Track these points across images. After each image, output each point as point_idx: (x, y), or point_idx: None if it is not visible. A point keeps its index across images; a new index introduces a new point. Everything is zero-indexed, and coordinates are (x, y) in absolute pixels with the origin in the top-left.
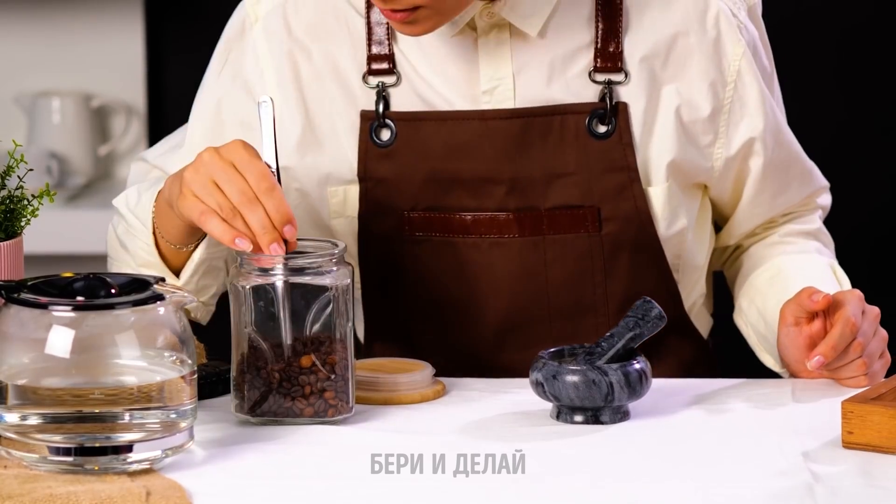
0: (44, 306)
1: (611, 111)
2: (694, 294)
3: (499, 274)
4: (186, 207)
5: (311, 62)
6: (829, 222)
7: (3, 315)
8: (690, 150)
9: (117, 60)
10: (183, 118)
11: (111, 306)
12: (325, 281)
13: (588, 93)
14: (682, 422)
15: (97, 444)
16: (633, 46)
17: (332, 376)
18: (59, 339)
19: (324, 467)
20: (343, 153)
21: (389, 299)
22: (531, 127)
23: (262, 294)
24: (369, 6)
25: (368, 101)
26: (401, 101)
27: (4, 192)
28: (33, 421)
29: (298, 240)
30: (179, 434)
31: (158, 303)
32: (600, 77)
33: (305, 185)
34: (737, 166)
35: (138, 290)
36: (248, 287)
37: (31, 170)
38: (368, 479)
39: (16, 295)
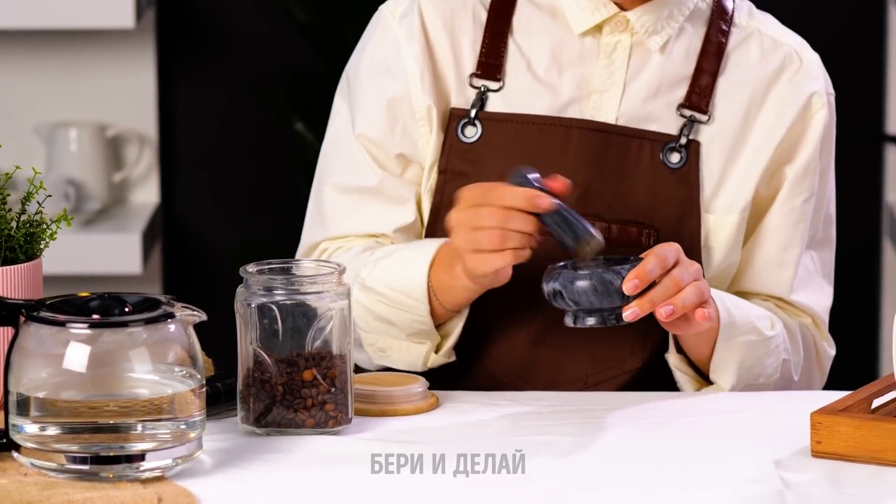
0: (62, 324)
1: (686, 146)
2: None
3: None
4: (475, 267)
5: (440, 53)
6: None
7: (24, 332)
8: (754, 196)
9: (130, 93)
10: (192, 147)
11: (125, 324)
12: (325, 300)
13: (672, 123)
14: (663, 432)
15: (112, 454)
16: (725, 90)
17: (332, 389)
18: (76, 355)
19: (325, 474)
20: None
21: None
22: (611, 144)
23: (267, 312)
24: (493, 6)
25: (466, 100)
26: (496, 102)
27: (25, 217)
28: (52, 431)
29: (300, 261)
30: (189, 444)
31: (169, 321)
32: (686, 112)
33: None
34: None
35: (150, 308)
36: (253, 305)
37: (49, 196)
38: (368, 484)
39: (35, 313)
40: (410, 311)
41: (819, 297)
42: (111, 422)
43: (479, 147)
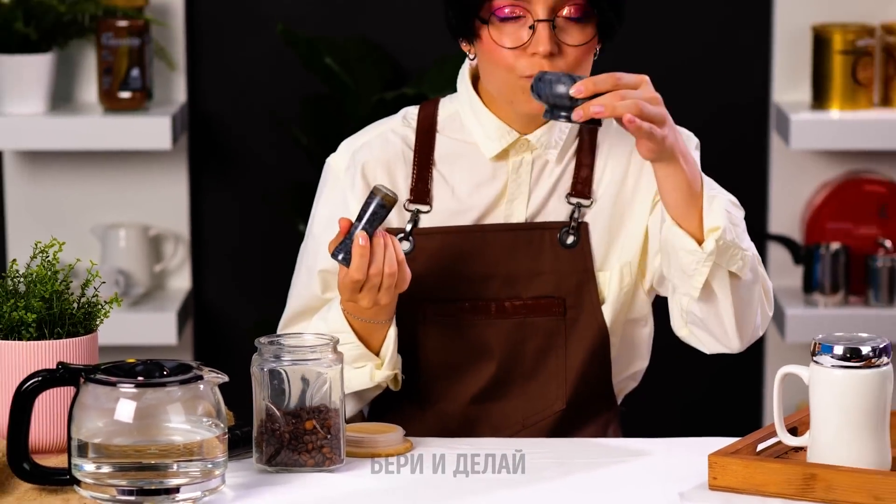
0: (113, 384)
1: (577, 228)
2: (627, 370)
3: (491, 346)
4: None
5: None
6: None
7: (83, 391)
8: (636, 257)
9: (168, 201)
10: (217, 244)
11: (164, 384)
12: (322, 366)
13: (564, 211)
14: (591, 469)
15: (153, 487)
16: (600, 175)
17: (328, 436)
18: (125, 409)
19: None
20: None
21: (406, 366)
22: (520, 238)
23: (276, 375)
24: (417, 148)
25: (402, 221)
26: (426, 221)
27: (84, 299)
28: (105, 469)
29: (303, 335)
30: (214, 479)
31: (199, 382)
32: (573, 200)
33: None
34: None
35: (184, 372)
36: (265, 370)
37: (103, 282)
38: None
39: (92, 376)
40: (348, 350)
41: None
42: (152, 462)
43: (412, 259)
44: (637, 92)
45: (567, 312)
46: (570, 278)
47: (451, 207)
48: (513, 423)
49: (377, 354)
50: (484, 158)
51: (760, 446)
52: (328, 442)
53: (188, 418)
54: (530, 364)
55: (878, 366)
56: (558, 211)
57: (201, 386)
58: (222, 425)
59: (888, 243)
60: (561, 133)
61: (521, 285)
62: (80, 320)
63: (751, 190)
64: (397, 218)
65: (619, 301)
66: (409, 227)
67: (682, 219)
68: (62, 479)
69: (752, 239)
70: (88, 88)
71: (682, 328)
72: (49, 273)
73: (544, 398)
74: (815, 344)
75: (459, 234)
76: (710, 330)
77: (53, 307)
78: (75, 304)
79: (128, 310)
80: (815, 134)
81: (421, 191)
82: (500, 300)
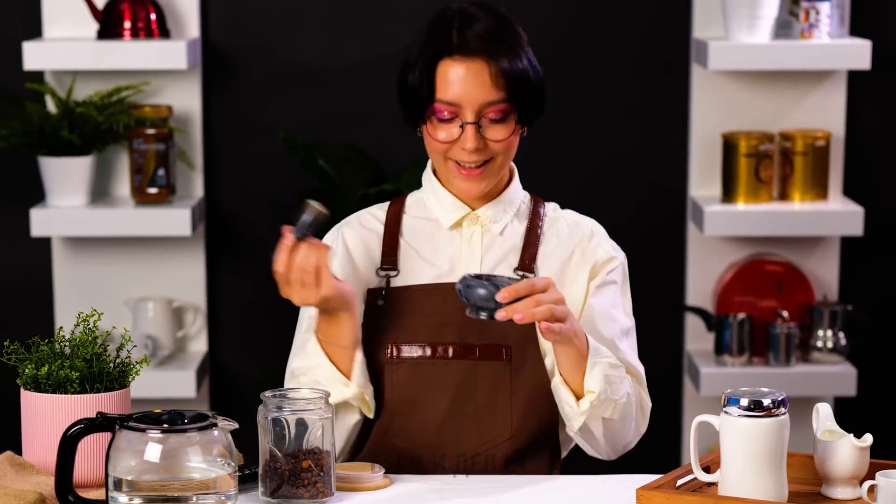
0: (143, 430)
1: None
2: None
3: (447, 384)
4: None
5: (358, 259)
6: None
7: (118, 436)
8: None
9: (188, 278)
10: (229, 315)
11: (185, 430)
12: (316, 415)
13: (513, 277)
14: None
15: None
16: (543, 255)
17: (322, 473)
18: (153, 451)
19: None
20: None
21: (376, 399)
22: None
23: (278, 422)
24: (386, 225)
25: (378, 283)
26: (396, 280)
27: (118, 360)
28: (136, 501)
29: (300, 389)
30: None
31: (214, 429)
32: (520, 272)
33: None
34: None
35: (201, 420)
36: (269, 418)
37: (134, 346)
38: None
39: (126, 423)
40: (317, 369)
41: (636, 362)
42: (175, 495)
43: (386, 311)
44: (547, 296)
45: (513, 360)
46: (515, 331)
47: (415, 270)
48: (467, 450)
49: (349, 378)
50: (443, 229)
51: (680, 482)
52: (321, 478)
53: (205, 458)
54: (482, 400)
55: (777, 415)
56: (506, 276)
57: (216, 432)
58: (233, 464)
59: (785, 314)
60: (504, 212)
61: (475, 333)
62: (116, 377)
63: (671, 269)
64: (374, 280)
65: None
66: (383, 287)
67: (570, 377)
68: None
69: (672, 310)
70: (122, 185)
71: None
72: (90, 338)
73: (493, 430)
74: (725, 397)
75: (422, 291)
76: (587, 445)
77: (93, 366)
78: (111, 364)
79: (155, 369)
80: (725, 223)
81: (390, 259)
82: (455, 345)
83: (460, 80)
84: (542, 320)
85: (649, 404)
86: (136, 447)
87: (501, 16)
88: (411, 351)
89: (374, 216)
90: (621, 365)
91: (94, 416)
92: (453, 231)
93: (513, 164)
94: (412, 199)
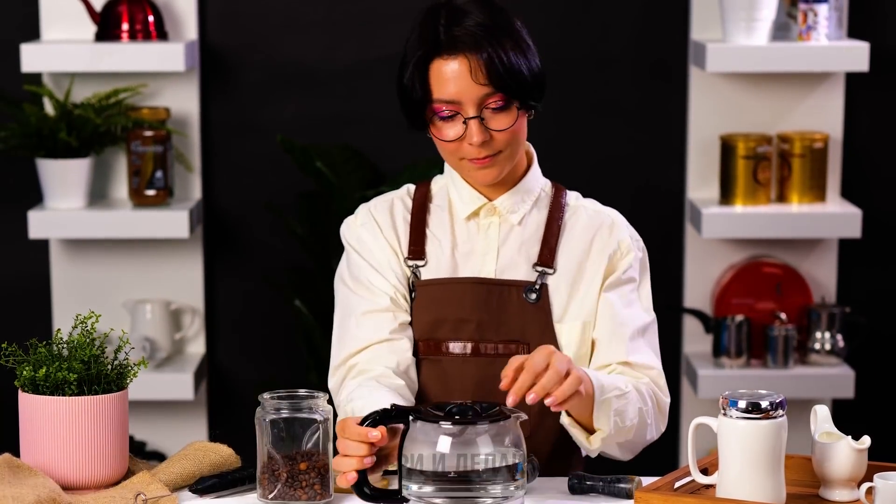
0: (436, 422)
1: (539, 289)
2: None
3: (467, 381)
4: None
5: (387, 242)
6: None
7: (413, 428)
8: (590, 317)
9: (185, 280)
10: (226, 316)
11: (475, 422)
12: (315, 416)
13: (529, 272)
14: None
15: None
16: (563, 251)
17: (319, 475)
18: (444, 443)
19: None
20: None
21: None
22: (491, 291)
23: (276, 424)
24: (413, 214)
25: (407, 275)
26: (425, 272)
27: (116, 362)
28: (427, 489)
29: (297, 391)
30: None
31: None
32: (539, 267)
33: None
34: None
35: (491, 409)
36: (267, 420)
37: (132, 348)
38: None
39: (419, 416)
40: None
41: (652, 360)
42: (465, 485)
43: (414, 303)
44: (551, 378)
45: None
46: (533, 328)
47: (441, 261)
48: None
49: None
50: (461, 219)
51: (677, 484)
52: (319, 480)
53: (496, 449)
54: (500, 398)
55: (775, 417)
56: (523, 269)
57: (505, 423)
58: (522, 452)
59: (783, 316)
60: (522, 201)
61: (492, 330)
62: (114, 379)
63: (669, 271)
64: (403, 272)
65: (576, 352)
66: (412, 280)
67: (579, 416)
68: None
69: (670, 312)
70: (120, 187)
71: None
72: (88, 340)
73: None
74: (723, 399)
75: (442, 287)
76: (606, 454)
77: (91, 369)
78: (109, 366)
79: (153, 371)
80: (723, 225)
81: (417, 250)
82: (473, 342)
83: (455, 78)
84: (550, 405)
85: (667, 402)
86: (431, 438)
87: (491, 7)
88: (429, 349)
89: (402, 202)
90: (629, 387)
91: (389, 407)
92: (471, 222)
93: (532, 149)
94: (436, 188)
